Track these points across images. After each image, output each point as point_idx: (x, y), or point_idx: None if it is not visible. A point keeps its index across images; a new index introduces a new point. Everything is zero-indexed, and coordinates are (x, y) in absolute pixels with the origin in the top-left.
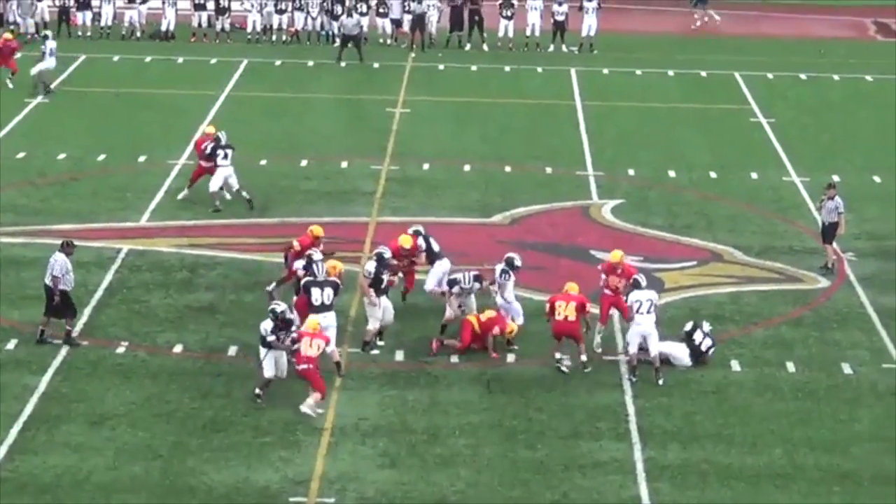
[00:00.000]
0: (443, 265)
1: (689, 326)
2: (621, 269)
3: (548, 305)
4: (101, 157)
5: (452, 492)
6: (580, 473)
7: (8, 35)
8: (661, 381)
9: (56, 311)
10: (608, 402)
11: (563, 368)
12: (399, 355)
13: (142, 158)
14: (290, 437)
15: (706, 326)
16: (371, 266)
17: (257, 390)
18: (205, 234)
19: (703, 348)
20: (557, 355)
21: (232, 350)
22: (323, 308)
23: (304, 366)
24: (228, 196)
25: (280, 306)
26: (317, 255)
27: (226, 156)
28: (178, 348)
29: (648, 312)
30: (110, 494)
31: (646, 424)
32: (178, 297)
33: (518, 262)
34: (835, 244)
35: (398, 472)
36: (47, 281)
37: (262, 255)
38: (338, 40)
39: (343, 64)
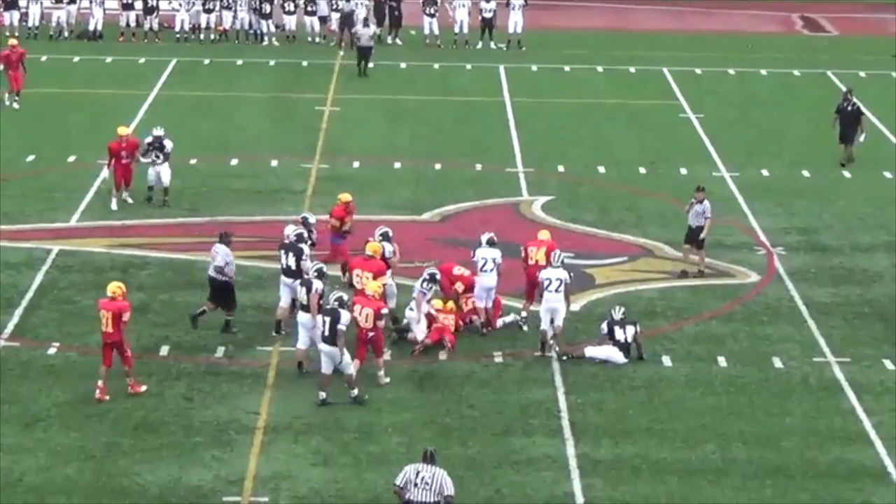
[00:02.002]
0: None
1: (605, 329)
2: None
3: (523, 251)
4: (30, 157)
5: (385, 490)
6: (513, 470)
7: (14, 41)
8: (556, 350)
9: (220, 300)
10: (540, 398)
11: (524, 327)
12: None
13: (71, 159)
14: (223, 437)
15: (617, 313)
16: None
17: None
18: (135, 234)
19: (629, 340)
20: (523, 314)
21: (164, 350)
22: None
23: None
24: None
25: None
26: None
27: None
28: None
29: (557, 291)
30: (43, 496)
31: (578, 420)
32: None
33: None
34: (703, 251)
35: (331, 470)
36: (211, 273)
37: (193, 255)
38: (266, 39)
39: (365, 76)
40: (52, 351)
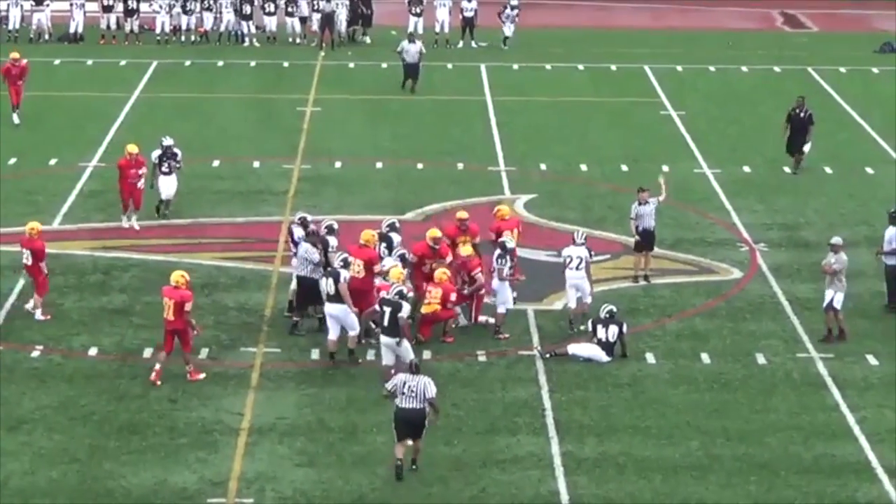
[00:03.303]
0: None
1: (590, 327)
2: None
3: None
4: (12, 160)
5: (371, 489)
6: (498, 469)
7: (16, 54)
8: (581, 328)
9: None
10: (524, 396)
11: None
12: (315, 354)
13: (53, 161)
14: (208, 438)
15: (603, 312)
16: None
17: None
18: (118, 237)
19: (612, 339)
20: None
21: (147, 352)
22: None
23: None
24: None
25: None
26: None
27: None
28: (93, 351)
29: (578, 268)
30: (28, 499)
31: (562, 418)
32: (92, 300)
33: (511, 245)
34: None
35: (316, 470)
36: (306, 272)
37: (175, 256)
38: (247, 40)
39: (412, 93)
40: (35, 354)
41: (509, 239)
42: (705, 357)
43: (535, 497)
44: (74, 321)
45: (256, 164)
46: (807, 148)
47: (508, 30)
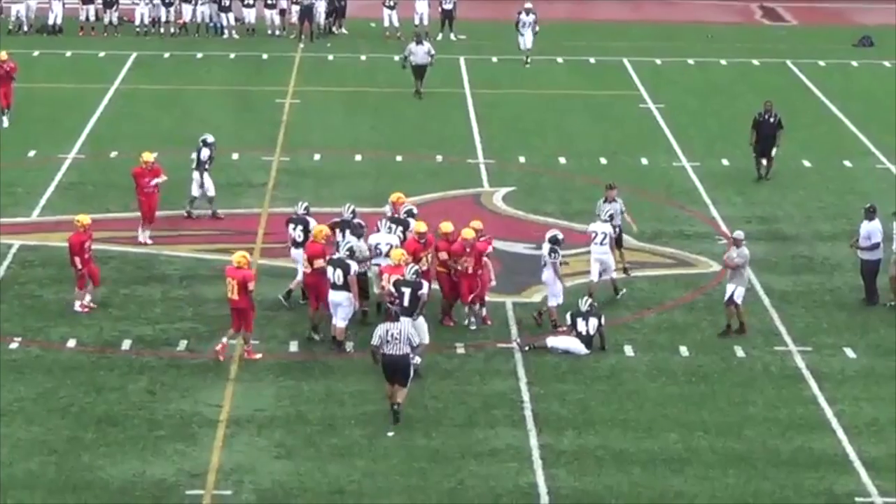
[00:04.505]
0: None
1: (568, 319)
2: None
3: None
4: None
5: (349, 482)
6: (476, 461)
7: (3, 55)
8: (623, 293)
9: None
10: (503, 389)
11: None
12: (293, 346)
13: (31, 153)
14: (186, 430)
15: (583, 305)
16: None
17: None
18: (97, 229)
19: (591, 332)
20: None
21: (126, 344)
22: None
23: None
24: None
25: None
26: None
27: (193, 159)
28: (71, 343)
29: (602, 244)
30: (6, 491)
31: (541, 411)
32: (70, 292)
33: (561, 237)
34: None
35: (294, 463)
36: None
37: (154, 248)
38: (226, 32)
39: (419, 97)
40: (14, 346)
41: (558, 231)
42: (684, 350)
43: (513, 489)
44: (53, 313)
45: (235, 156)
46: (775, 153)
47: (526, 41)
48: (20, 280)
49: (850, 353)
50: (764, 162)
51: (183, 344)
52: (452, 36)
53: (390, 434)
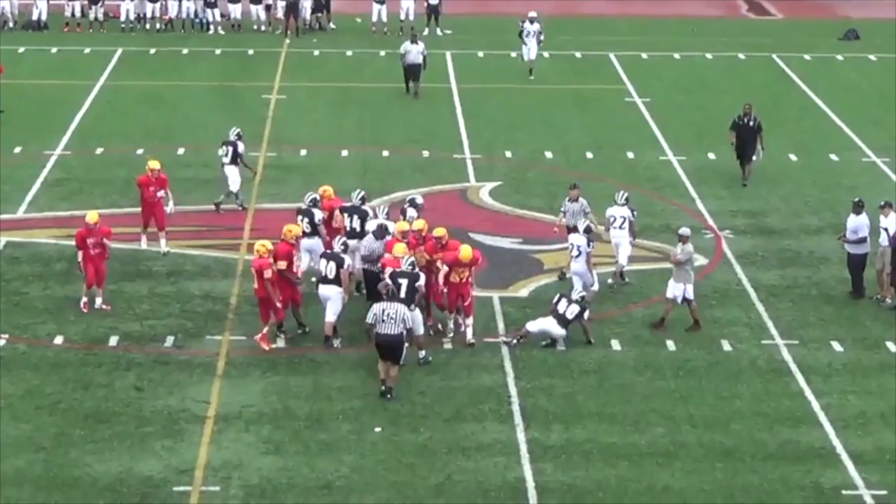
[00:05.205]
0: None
1: (555, 298)
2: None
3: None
4: None
5: (337, 477)
6: (464, 456)
7: None
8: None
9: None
10: (490, 383)
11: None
12: (280, 341)
13: (17, 150)
14: (174, 427)
15: (575, 294)
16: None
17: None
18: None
19: (569, 316)
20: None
21: (113, 340)
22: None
23: None
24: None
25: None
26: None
27: (226, 153)
28: (58, 339)
29: (621, 228)
30: None
31: (528, 405)
32: (57, 289)
33: (594, 228)
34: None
35: (282, 458)
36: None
37: (140, 245)
38: (212, 28)
39: (415, 97)
40: (0, 343)
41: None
42: (671, 344)
43: (501, 484)
44: (40, 310)
45: (221, 151)
46: (756, 157)
47: (531, 52)
48: (6, 277)
49: (836, 346)
50: (745, 166)
51: (170, 340)
52: (438, 31)
53: (378, 429)
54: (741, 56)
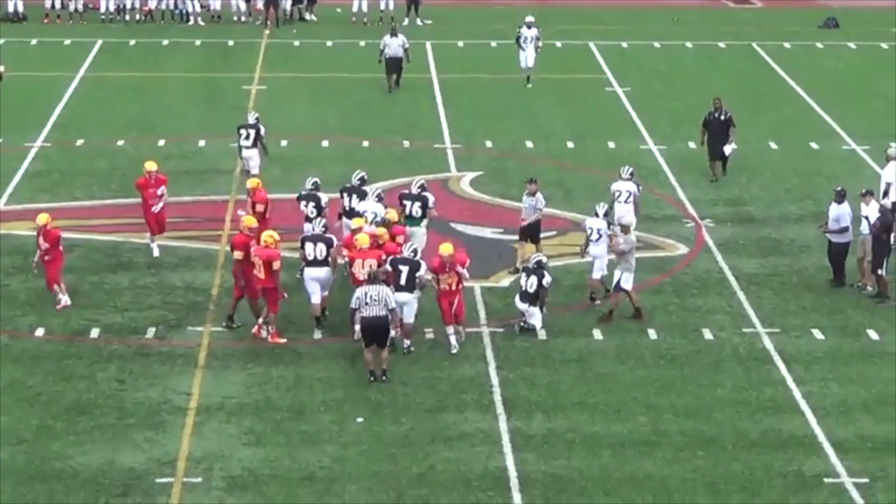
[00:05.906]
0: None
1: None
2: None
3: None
4: None
5: (319, 467)
6: (446, 446)
7: None
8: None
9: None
10: (472, 373)
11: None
12: (262, 332)
13: None
14: (155, 418)
15: (532, 262)
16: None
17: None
18: (63, 217)
19: (530, 290)
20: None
21: (94, 332)
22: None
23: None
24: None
25: None
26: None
27: (247, 136)
28: (39, 332)
29: (626, 202)
30: None
31: (510, 395)
32: (38, 281)
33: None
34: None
35: (264, 449)
36: None
37: (122, 236)
38: (192, 19)
39: (396, 86)
40: None
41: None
42: (652, 333)
43: (483, 473)
44: (21, 302)
45: (202, 143)
46: (728, 150)
47: (528, 59)
48: None
49: (817, 334)
50: (719, 163)
51: (151, 332)
52: (418, 21)
53: (360, 420)
54: (721, 45)
